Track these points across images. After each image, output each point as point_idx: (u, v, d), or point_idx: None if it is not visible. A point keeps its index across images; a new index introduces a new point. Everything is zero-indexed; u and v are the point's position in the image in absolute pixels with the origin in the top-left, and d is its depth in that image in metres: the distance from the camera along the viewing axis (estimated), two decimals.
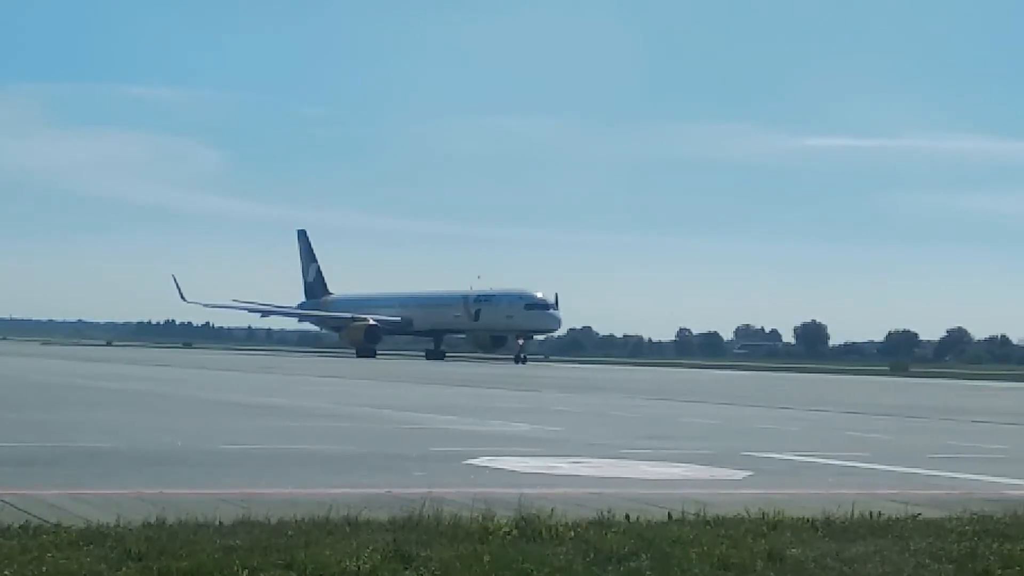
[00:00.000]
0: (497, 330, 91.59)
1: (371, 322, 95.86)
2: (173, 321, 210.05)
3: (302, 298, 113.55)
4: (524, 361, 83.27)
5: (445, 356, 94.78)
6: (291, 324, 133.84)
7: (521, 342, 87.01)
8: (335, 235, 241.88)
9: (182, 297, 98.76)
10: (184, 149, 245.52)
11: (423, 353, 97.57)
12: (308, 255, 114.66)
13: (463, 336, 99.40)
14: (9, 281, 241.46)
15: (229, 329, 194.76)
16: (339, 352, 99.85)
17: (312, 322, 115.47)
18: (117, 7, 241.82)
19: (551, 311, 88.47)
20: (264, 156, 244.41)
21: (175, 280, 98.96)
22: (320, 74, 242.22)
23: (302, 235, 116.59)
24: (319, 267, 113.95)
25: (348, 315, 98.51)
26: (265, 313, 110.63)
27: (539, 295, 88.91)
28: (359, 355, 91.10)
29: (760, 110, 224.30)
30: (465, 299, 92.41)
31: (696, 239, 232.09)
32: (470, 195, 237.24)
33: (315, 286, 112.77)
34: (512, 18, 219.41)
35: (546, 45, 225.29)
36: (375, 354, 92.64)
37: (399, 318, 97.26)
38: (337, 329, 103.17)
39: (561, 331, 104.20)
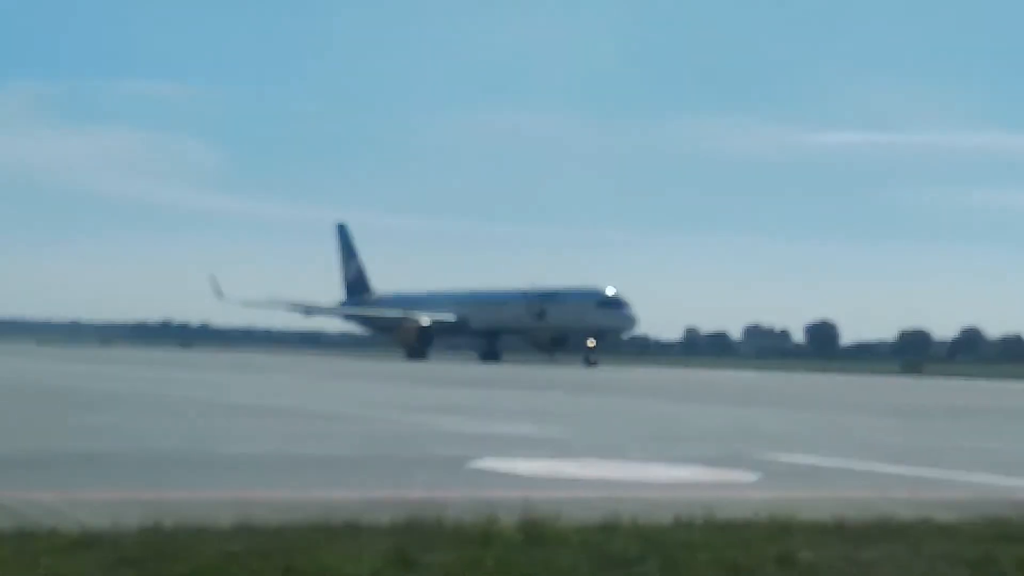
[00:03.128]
0: (564, 330, 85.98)
1: (424, 322, 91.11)
2: (170, 321, 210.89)
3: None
4: (595, 363, 78.62)
5: (500, 358, 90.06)
6: (293, 325, 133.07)
7: (591, 343, 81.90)
8: (331, 231, 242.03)
9: (220, 295, 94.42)
10: (182, 146, 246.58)
11: (476, 355, 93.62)
12: (348, 251, 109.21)
13: (518, 336, 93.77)
14: (4, 280, 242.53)
15: (227, 330, 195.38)
16: (385, 353, 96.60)
17: (356, 322, 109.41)
18: (114, 4, 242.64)
19: (625, 309, 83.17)
20: (263, 153, 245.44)
21: (213, 278, 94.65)
22: (319, 72, 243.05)
23: (341, 230, 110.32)
24: (360, 263, 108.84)
25: (399, 314, 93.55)
26: (308, 312, 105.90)
27: (610, 291, 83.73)
28: (409, 357, 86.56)
29: (769, 105, 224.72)
30: (527, 297, 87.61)
31: (703, 236, 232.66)
32: (470, 193, 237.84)
33: (356, 284, 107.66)
34: (512, 15, 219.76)
35: (545, 41, 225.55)
36: (426, 356, 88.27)
37: (454, 317, 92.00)
38: (385, 329, 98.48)
39: None
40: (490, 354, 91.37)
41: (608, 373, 64.48)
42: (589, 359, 79.92)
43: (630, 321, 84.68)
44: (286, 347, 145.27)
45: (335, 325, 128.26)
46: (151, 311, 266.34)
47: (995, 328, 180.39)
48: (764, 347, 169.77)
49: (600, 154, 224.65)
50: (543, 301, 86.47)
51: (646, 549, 7.45)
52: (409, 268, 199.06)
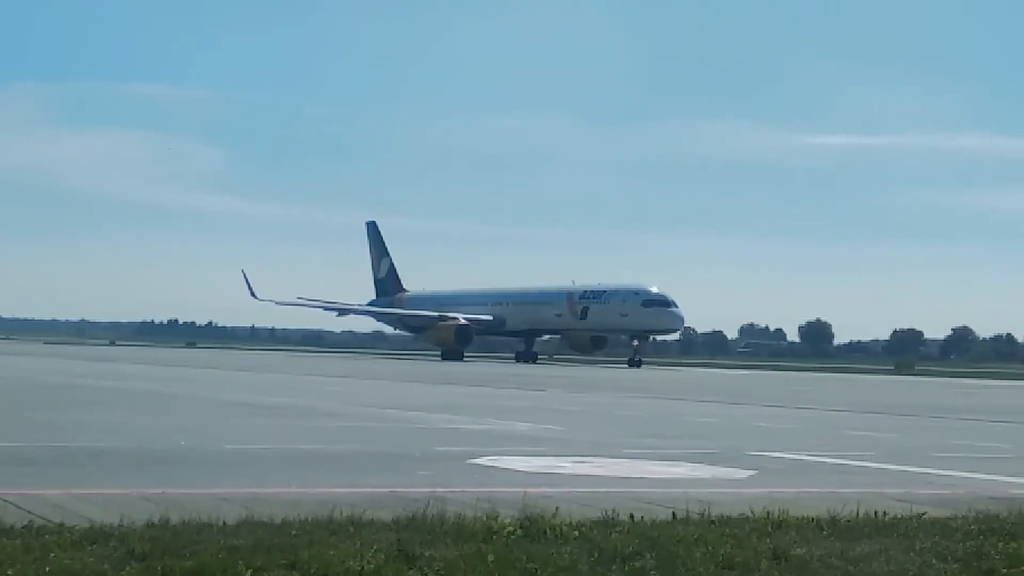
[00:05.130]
0: (608, 330, 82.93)
1: (462, 321, 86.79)
2: (176, 320, 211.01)
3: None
4: (640, 364, 75.00)
5: (537, 358, 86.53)
6: (295, 323, 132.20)
7: (636, 343, 78.67)
8: (333, 232, 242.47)
9: (252, 294, 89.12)
10: (185, 148, 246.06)
11: (512, 355, 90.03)
12: (379, 249, 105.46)
13: (556, 336, 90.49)
14: (11, 280, 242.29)
15: (232, 328, 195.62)
16: (422, 354, 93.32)
17: (387, 321, 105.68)
18: (118, 6, 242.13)
19: (672, 308, 78.43)
20: (265, 155, 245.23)
21: (245, 276, 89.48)
22: (320, 73, 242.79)
23: (372, 227, 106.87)
24: (392, 262, 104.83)
25: (435, 314, 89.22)
26: (341, 312, 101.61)
27: (654, 289, 79.19)
28: (445, 358, 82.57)
29: (764, 108, 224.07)
30: (569, 296, 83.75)
31: (699, 237, 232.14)
32: (472, 193, 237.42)
33: (387, 282, 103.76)
34: (513, 17, 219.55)
35: (545, 43, 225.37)
36: (463, 357, 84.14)
37: (491, 317, 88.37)
38: (419, 329, 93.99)
39: None
40: (527, 355, 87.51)
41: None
42: (635, 359, 76.07)
43: (678, 320, 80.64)
44: (288, 346, 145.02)
45: (339, 323, 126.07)
46: (157, 310, 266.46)
47: (986, 327, 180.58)
48: (759, 346, 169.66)
49: (599, 157, 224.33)
50: (586, 300, 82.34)
51: (643, 544, 7.54)
52: (417, 270, 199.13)
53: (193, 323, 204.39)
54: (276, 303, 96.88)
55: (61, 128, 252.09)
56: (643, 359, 77.92)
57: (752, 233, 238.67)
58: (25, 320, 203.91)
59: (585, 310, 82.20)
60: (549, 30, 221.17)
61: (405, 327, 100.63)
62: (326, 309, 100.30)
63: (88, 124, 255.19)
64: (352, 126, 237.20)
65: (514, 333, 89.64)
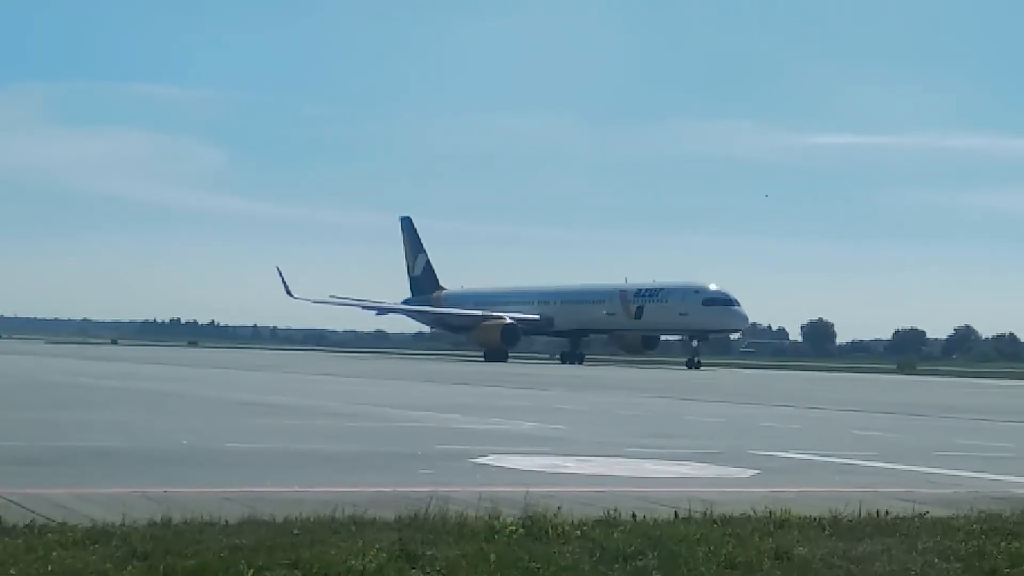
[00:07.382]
0: (664, 330, 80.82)
1: (508, 320, 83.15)
2: (178, 320, 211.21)
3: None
4: (699, 366, 71.90)
5: (584, 359, 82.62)
6: (296, 323, 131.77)
7: (696, 344, 75.18)
8: (334, 232, 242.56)
9: (288, 292, 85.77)
10: (186, 148, 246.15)
11: (551, 356, 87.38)
12: (414, 246, 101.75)
13: (602, 336, 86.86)
14: (12, 280, 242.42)
15: (234, 328, 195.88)
16: (464, 355, 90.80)
17: (424, 320, 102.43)
18: (118, 6, 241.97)
19: (735, 307, 74.64)
20: (266, 155, 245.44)
21: (280, 274, 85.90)
22: (321, 73, 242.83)
23: (406, 223, 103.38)
24: (428, 259, 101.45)
25: (479, 312, 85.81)
26: (380, 311, 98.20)
27: (714, 287, 75.35)
28: (488, 359, 79.32)
29: (766, 108, 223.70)
30: (623, 294, 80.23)
31: (701, 237, 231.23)
32: (471, 193, 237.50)
33: (424, 280, 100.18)
34: (513, 17, 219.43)
35: (545, 43, 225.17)
36: (507, 357, 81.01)
37: (537, 316, 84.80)
38: (461, 328, 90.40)
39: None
40: (573, 355, 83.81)
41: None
42: (693, 360, 72.94)
43: (742, 320, 77.26)
44: (291, 345, 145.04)
45: (341, 324, 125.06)
46: (159, 310, 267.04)
47: (988, 327, 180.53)
48: (762, 345, 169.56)
49: (598, 157, 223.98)
50: (641, 298, 78.76)
51: (645, 544, 7.54)
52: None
53: (195, 322, 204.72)
54: (313, 302, 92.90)
55: (61, 128, 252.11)
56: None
57: (752, 233, 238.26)
58: (27, 319, 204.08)
59: (640, 309, 78.63)
60: (549, 30, 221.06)
61: (445, 326, 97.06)
62: (365, 308, 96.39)
63: (88, 124, 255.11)
64: (352, 126, 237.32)
65: (561, 333, 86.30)
